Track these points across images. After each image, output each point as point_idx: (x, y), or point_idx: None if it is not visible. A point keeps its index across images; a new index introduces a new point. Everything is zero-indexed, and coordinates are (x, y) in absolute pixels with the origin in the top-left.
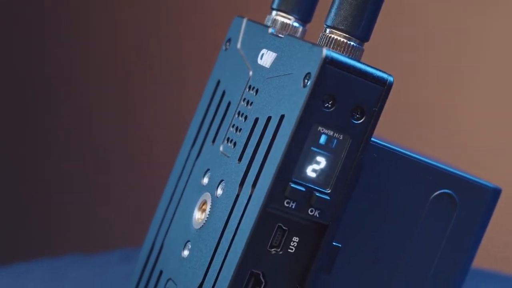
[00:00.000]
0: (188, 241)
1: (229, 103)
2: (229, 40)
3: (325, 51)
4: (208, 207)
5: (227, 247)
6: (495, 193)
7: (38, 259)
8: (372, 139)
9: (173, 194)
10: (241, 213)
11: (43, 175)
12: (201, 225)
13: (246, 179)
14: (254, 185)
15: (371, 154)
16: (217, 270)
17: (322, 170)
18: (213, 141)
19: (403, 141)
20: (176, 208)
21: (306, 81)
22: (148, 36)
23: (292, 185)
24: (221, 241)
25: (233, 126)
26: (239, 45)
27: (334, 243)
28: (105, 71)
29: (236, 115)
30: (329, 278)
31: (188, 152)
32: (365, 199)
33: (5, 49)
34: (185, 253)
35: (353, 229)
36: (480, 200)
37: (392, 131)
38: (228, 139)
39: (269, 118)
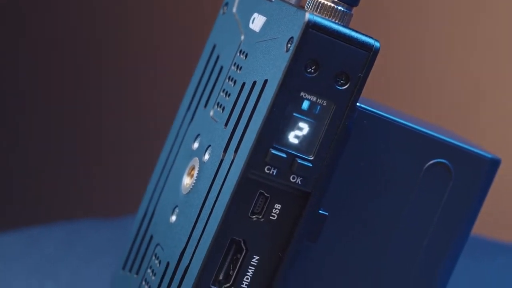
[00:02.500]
0: (176, 206)
1: (221, 68)
2: (226, 4)
3: (307, 15)
4: (195, 173)
5: (208, 213)
6: (494, 163)
7: (54, 222)
8: (363, 105)
9: (167, 158)
10: (223, 178)
11: (62, 137)
12: (188, 191)
13: (230, 144)
14: (236, 150)
15: (361, 121)
16: (198, 236)
17: (304, 136)
18: (205, 105)
19: (398, 106)
20: (169, 173)
21: (289, 45)
22: None
23: (273, 151)
24: (204, 207)
25: (223, 91)
26: (234, 9)
27: (320, 211)
28: (104, 30)
29: (227, 80)
30: (315, 247)
31: (183, 116)
32: (355, 167)
33: None
34: (173, 218)
35: (342, 198)
36: (477, 170)
37: (387, 95)
38: (218, 104)
39: (254, 83)
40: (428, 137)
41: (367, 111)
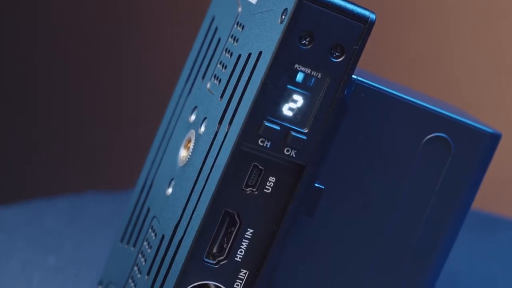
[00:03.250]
0: (173, 179)
1: (219, 40)
2: None
3: None
4: (191, 145)
5: (202, 185)
6: (494, 138)
7: (57, 196)
8: (360, 78)
9: (166, 131)
10: (217, 151)
11: (67, 110)
12: (184, 163)
13: (225, 117)
14: (230, 122)
15: (358, 94)
16: (192, 209)
17: (299, 109)
18: (203, 78)
19: (396, 79)
20: (167, 145)
21: (283, 17)
22: None
23: (267, 124)
24: (198, 179)
25: (220, 63)
26: None
27: (316, 185)
28: None
29: (224, 52)
30: (312, 221)
31: (182, 89)
32: (352, 141)
33: None
34: (169, 191)
35: (340, 172)
36: (477, 145)
37: (384, 68)
38: (215, 76)
39: (249, 55)
40: (427, 110)
41: (364, 84)
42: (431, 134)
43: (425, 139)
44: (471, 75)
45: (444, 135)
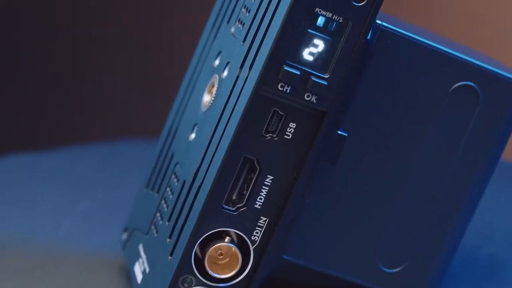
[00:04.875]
0: (196, 124)
1: None
2: None
3: None
4: (214, 90)
5: (222, 131)
6: None
7: (94, 142)
8: (386, 24)
9: (192, 76)
10: (237, 95)
11: (102, 57)
12: (207, 108)
13: (246, 61)
14: (251, 67)
15: (384, 40)
16: (212, 154)
17: (319, 53)
18: (228, 22)
19: (423, 24)
20: (192, 91)
21: None
22: None
23: (286, 68)
24: (218, 125)
25: (245, 7)
26: None
27: (339, 132)
28: None
29: None
30: (334, 169)
31: (208, 34)
32: (378, 88)
33: None
34: (192, 136)
35: (364, 120)
36: (507, 95)
37: (410, 13)
38: (239, 20)
39: None
40: (455, 58)
41: (390, 31)
42: (459, 82)
43: (452, 88)
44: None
45: (473, 83)
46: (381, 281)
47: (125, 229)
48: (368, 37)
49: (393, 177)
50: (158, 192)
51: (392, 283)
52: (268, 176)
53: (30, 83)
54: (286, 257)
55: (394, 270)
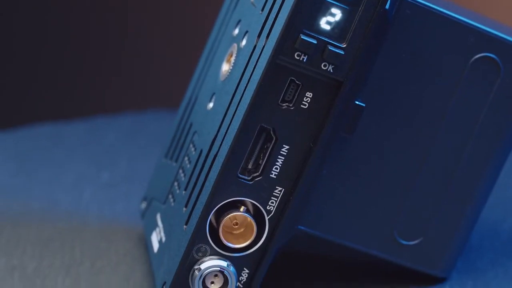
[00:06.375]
0: (214, 93)
1: None
2: None
3: None
4: (233, 59)
5: (239, 99)
6: None
7: (118, 112)
8: None
9: (212, 45)
10: (254, 64)
11: (125, 28)
12: (225, 77)
13: (264, 30)
14: (268, 35)
15: (403, 11)
16: (228, 123)
17: (337, 22)
18: None
19: None
20: (212, 60)
21: None
22: None
23: (303, 37)
24: (235, 94)
25: None
26: None
27: (357, 102)
28: None
29: None
30: (352, 140)
31: (229, 3)
32: (396, 59)
33: None
34: (210, 105)
35: (382, 90)
36: None
37: None
38: None
39: None
40: (476, 29)
41: (410, 0)
42: (479, 54)
43: (472, 59)
44: None
45: (493, 55)
46: (398, 253)
47: (144, 198)
48: (387, 6)
49: (412, 150)
50: (176, 161)
51: (408, 255)
52: (284, 145)
53: (61, 55)
54: (301, 227)
55: (412, 243)
